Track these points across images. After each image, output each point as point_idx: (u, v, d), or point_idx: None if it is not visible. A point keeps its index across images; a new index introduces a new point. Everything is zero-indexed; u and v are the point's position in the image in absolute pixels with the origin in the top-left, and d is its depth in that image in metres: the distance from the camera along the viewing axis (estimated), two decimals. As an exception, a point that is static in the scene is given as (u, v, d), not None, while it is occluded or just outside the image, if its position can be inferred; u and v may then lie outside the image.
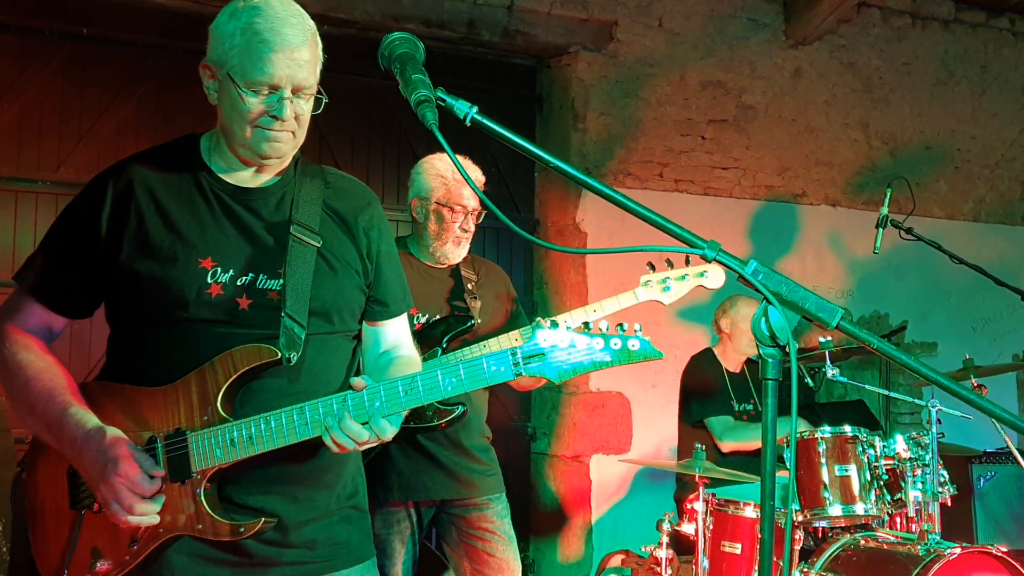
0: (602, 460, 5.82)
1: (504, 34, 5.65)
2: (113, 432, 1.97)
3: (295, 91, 2.04)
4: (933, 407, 3.92)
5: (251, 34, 2.00)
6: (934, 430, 3.88)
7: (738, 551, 3.93)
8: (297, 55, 2.02)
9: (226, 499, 2.04)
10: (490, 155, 5.62)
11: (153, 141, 5.38)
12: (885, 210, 4.65)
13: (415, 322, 3.41)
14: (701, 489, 3.99)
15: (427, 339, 3.38)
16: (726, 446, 4.73)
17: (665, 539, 4.11)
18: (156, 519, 1.96)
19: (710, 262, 1.39)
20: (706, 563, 3.97)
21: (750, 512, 3.94)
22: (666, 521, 4.14)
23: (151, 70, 5.10)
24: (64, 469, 2.07)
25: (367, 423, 1.97)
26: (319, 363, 2.13)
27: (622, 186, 5.86)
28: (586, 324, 1.99)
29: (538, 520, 5.96)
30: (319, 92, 2.10)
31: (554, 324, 1.98)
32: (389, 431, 1.99)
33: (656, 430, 5.88)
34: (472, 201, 3.49)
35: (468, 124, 1.52)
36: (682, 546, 4.34)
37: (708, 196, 6.19)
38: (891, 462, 3.97)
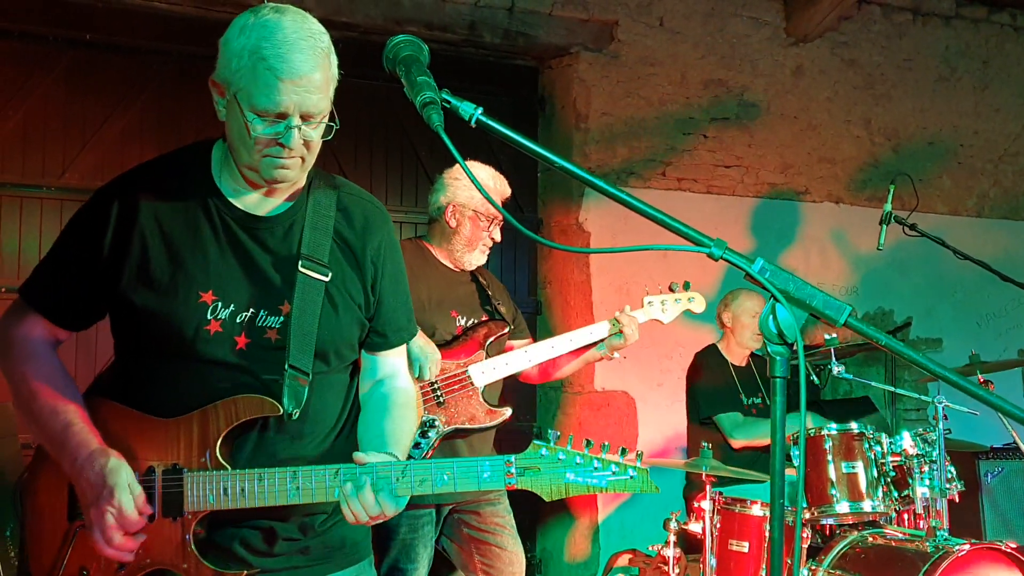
0: (608, 460, 5.81)
1: (505, 36, 5.66)
2: (115, 459, 1.95)
3: (304, 118, 1.96)
4: (939, 403, 3.92)
5: (257, 59, 1.91)
6: (940, 426, 3.88)
7: (745, 549, 3.93)
8: (306, 82, 1.93)
9: (218, 516, 2.02)
10: (492, 155, 5.60)
11: (157, 146, 5.42)
12: (889, 206, 4.66)
13: (456, 324, 3.50)
14: (708, 488, 3.99)
15: (469, 341, 3.47)
16: (737, 443, 4.72)
17: (672, 538, 4.12)
18: (130, 558, 1.95)
19: (717, 260, 1.39)
20: (714, 562, 3.97)
21: (757, 510, 3.94)
22: (673, 520, 4.14)
23: (154, 75, 5.11)
24: (67, 479, 2.06)
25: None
26: (317, 406, 2.12)
27: (625, 185, 5.86)
28: (588, 442, 1.98)
29: (545, 520, 5.97)
30: (332, 117, 2.03)
31: (554, 437, 1.97)
32: (390, 510, 1.97)
33: (662, 429, 5.88)
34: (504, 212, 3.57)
35: (473, 126, 1.52)
36: (690, 545, 4.34)
37: (711, 195, 6.19)
38: (898, 459, 3.97)
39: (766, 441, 4.67)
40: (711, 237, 1.42)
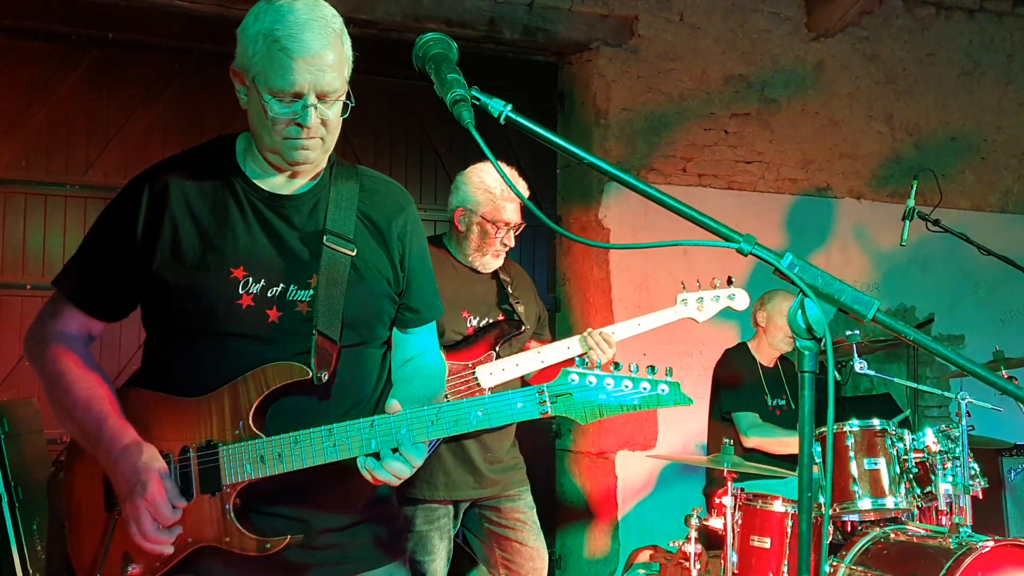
0: (628, 456, 5.82)
1: (525, 31, 5.66)
2: (149, 453, 1.98)
3: (320, 97, 2.00)
4: (963, 399, 3.90)
5: (271, 41, 1.96)
6: (964, 422, 3.86)
7: (767, 545, 3.92)
8: (319, 60, 1.97)
9: (254, 507, 2.05)
10: (511, 152, 5.63)
11: (180, 143, 5.46)
12: (912, 202, 4.63)
13: (468, 325, 3.47)
14: (730, 484, 3.98)
15: (480, 343, 3.44)
16: (749, 442, 4.71)
17: (693, 534, 4.11)
18: (170, 550, 1.98)
19: (746, 255, 1.39)
20: (735, 558, 3.96)
21: (779, 506, 3.93)
22: (694, 516, 4.14)
23: (176, 73, 5.14)
24: (101, 471, 2.09)
25: (396, 450, 1.96)
26: (349, 377, 2.14)
27: (645, 182, 5.83)
28: (616, 364, 2.00)
29: (564, 516, 5.97)
30: (348, 96, 2.06)
31: (581, 362, 1.98)
32: (416, 460, 1.99)
33: (682, 426, 5.87)
34: (516, 216, 3.54)
35: (502, 122, 1.52)
36: (711, 541, 4.34)
37: (732, 190, 6.17)
38: (920, 455, 3.95)
39: (778, 447, 4.66)
40: (739, 232, 1.42)
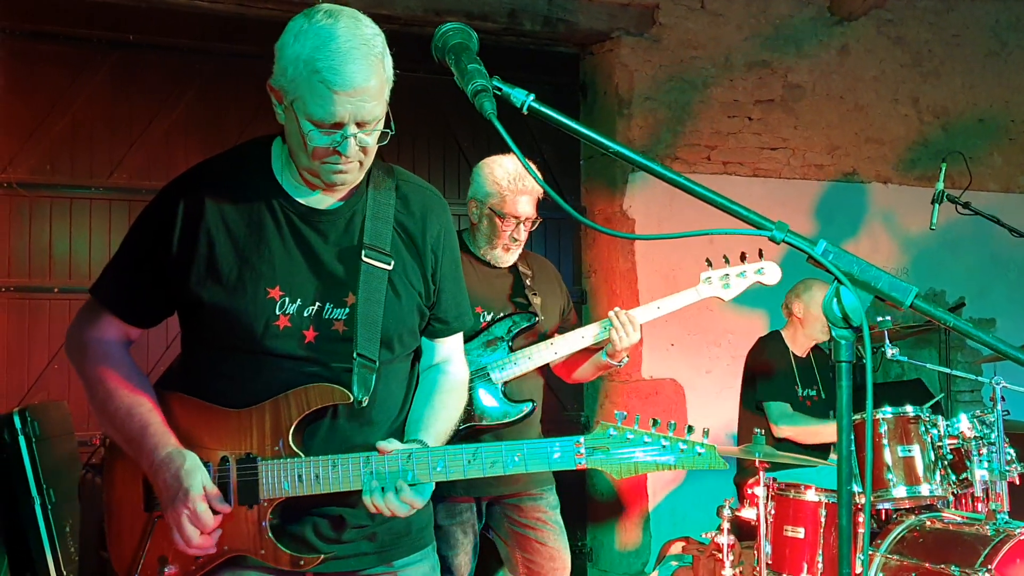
0: (658, 447, 5.78)
1: (545, 23, 5.63)
2: (192, 460, 2.00)
3: (360, 125, 1.97)
4: (997, 384, 3.84)
5: (312, 71, 1.91)
6: (999, 407, 3.80)
7: (801, 535, 3.89)
8: (361, 92, 1.93)
9: (289, 503, 2.06)
10: (535, 144, 5.61)
11: (202, 144, 5.48)
12: (941, 185, 4.57)
13: (480, 320, 3.42)
14: (762, 474, 3.94)
15: (493, 337, 3.40)
16: (780, 431, 4.67)
17: (726, 525, 4.07)
18: (212, 550, 2.01)
19: (779, 243, 1.36)
20: (768, 548, 3.93)
21: (812, 496, 3.89)
22: (726, 507, 4.10)
23: (197, 74, 5.15)
24: (142, 471, 2.10)
25: (416, 485, 2.01)
26: (385, 393, 2.15)
27: (672, 169, 5.80)
28: (655, 421, 2.01)
29: (594, 508, 5.95)
30: (388, 122, 2.03)
31: (620, 416, 2.00)
32: (428, 495, 2.06)
33: (711, 416, 5.82)
34: (527, 210, 3.46)
35: (525, 112, 1.50)
36: (743, 532, 4.30)
37: (757, 178, 6.12)
38: (955, 441, 3.90)
39: (809, 436, 4.61)
40: (771, 220, 1.39)
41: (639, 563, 5.77)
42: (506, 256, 3.50)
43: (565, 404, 5.96)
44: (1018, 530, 3.52)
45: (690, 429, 2.00)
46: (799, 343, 4.90)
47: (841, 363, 1.32)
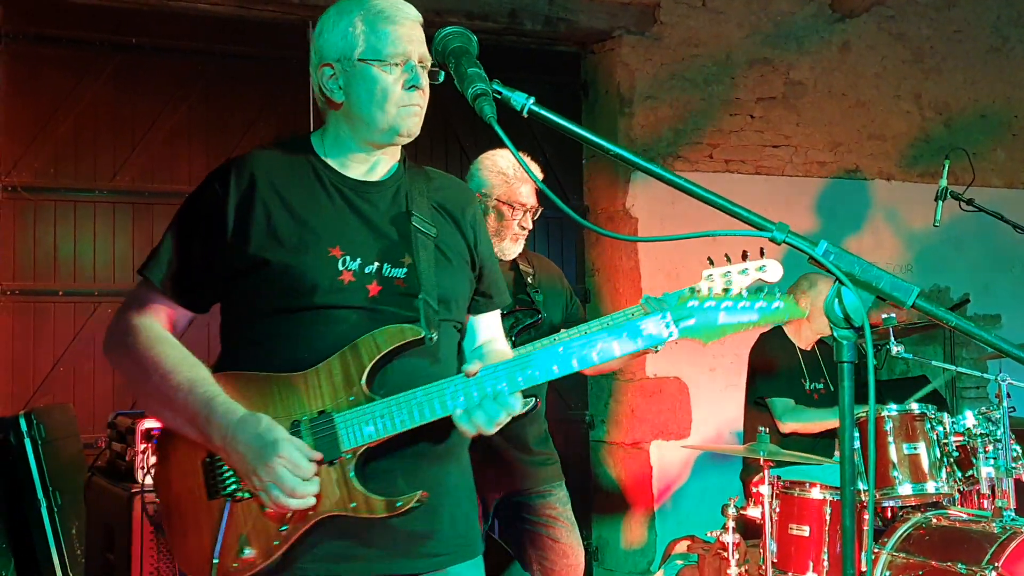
0: (662, 445, 5.79)
1: (546, 22, 5.63)
2: (268, 418, 1.96)
3: (420, 61, 2.11)
4: (1003, 380, 3.83)
5: (371, 15, 2.09)
6: (1005, 404, 3.79)
7: (806, 533, 3.88)
8: (417, 28, 2.12)
9: (371, 474, 2.03)
10: (536, 143, 5.60)
11: (205, 146, 5.49)
12: (944, 182, 4.56)
13: None
14: (767, 472, 3.94)
15: None
16: (786, 427, 4.66)
17: (731, 523, 4.07)
18: (312, 502, 1.94)
19: (780, 244, 1.36)
20: (774, 547, 3.92)
21: (817, 493, 3.89)
22: (731, 505, 4.10)
23: (200, 76, 5.15)
24: (199, 460, 2.06)
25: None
26: (446, 347, 2.17)
27: (672, 169, 5.77)
28: (726, 289, 2.05)
29: (600, 508, 5.95)
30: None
31: (691, 290, 2.03)
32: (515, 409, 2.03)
33: (716, 414, 5.83)
34: (531, 199, 3.50)
35: (525, 115, 1.50)
36: (748, 530, 4.30)
37: (760, 175, 6.12)
38: (961, 438, 3.89)
39: (815, 427, 4.60)
40: (772, 220, 1.39)
41: (644, 562, 5.77)
42: (514, 247, 3.53)
43: (569, 403, 5.96)
44: (1024, 527, 3.51)
45: (762, 288, 2.06)
46: (803, 337, 4.89)
47: (843, 363, 1.32)
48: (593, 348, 1.98)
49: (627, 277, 5.81)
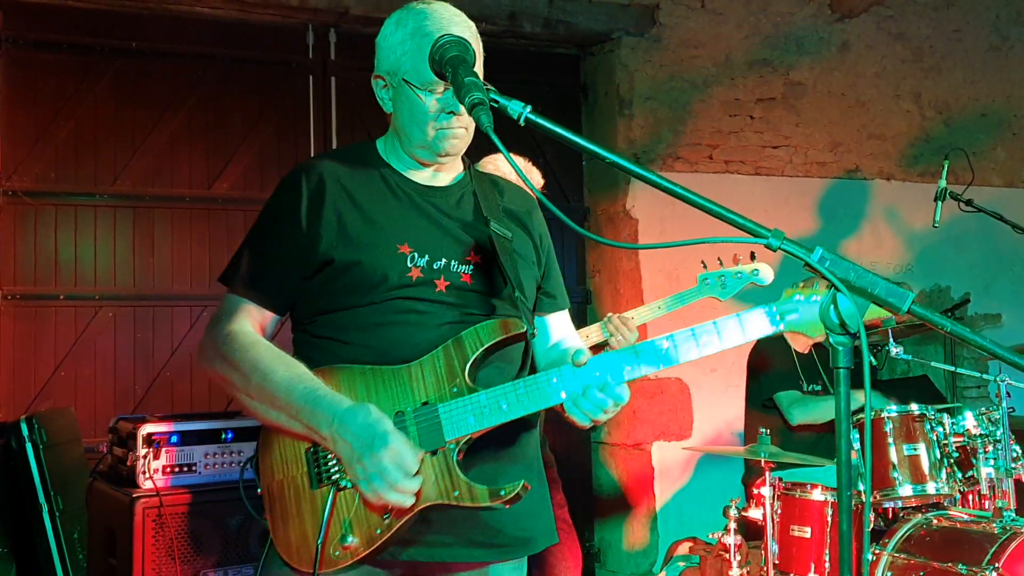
0: (664, 446, 5.79)
1: (546, 24, 5.63)
2: (377, 411, 1.98)
3: None
4: (1002, 381, 3.84)
5: (420, 36, 2.09)
6: (1004, 404, 3.80)
7: (808, 535, 3.88)
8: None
9: (471, 466, 2.06)
10: (536, 145, 5.61)
11: (206, 149, 5.51)
12: (943, 183, 4.56)
13: None
14: (768, 474, 3.94)
15: None
16: (796, 419, 4.66)
17: (732, 525, 4.07)
18: (412, 500, 1.95)
19: (775, 251, 1.37)
20: (775, 548, 3.93)
21: (818, 495, 3.89)
22: (733, 507, 4.10)
23: (200, 80, 5.16)
24: (303, 448, 2.08)
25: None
26: (520, 347, 2.22)
27: (671, 171, 5.81)
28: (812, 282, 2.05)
29: (602, 509, 5.95)
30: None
31: (794, 285, 2.04)
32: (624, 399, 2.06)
33: (717, 415, 5.84)
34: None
35: (522, 124, 1.51)
36: (750, 531, 4.30)
37: (760, 176, 6.12)
38: (961, 439, 3.89)
39: (824, 419, 4.61)
40: (767, 227, 1.40)
41: (647, 563, 5.78)
42: None
43: (570, 405, 5.96)
44: (1025, 527, 3.51)
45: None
46: (799, 340, 4.90)
47: (839, 369, 1.33)
48: (695, 341, 2.05)
49: (628, 278, 5.81)
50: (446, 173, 2.26)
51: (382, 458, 1.91)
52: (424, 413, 2.03)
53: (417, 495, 1.97)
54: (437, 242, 2.16)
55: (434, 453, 2.02)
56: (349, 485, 2.02)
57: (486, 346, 2.07)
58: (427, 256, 2.14)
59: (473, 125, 2.15)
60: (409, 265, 2.12)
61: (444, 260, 2.15)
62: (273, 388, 2.04)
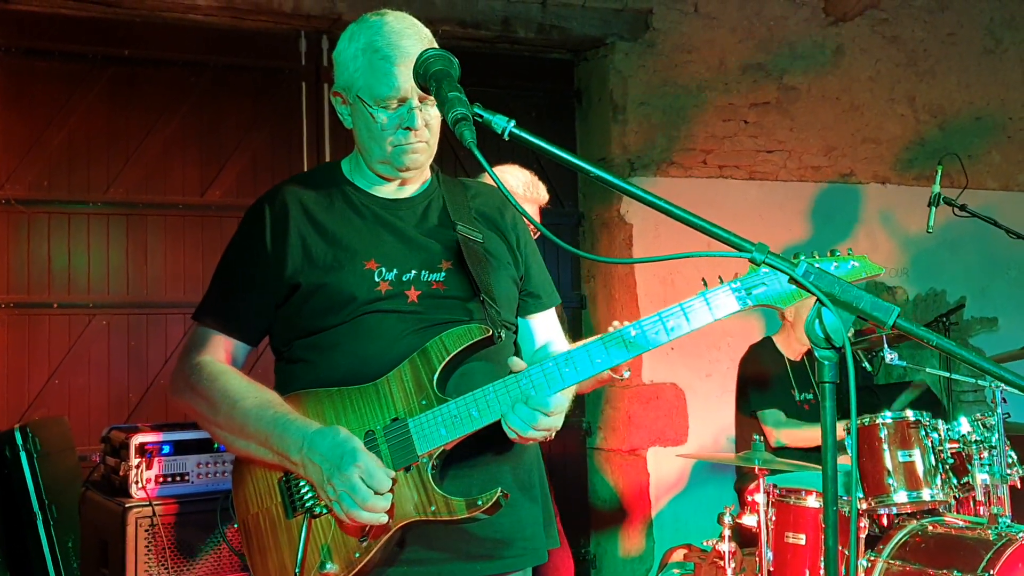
0: (660, 453, 5.79)
1: (539, 30, 5.63)
2: (345, 431, 1.97)
3: (422, 99, 2.10)
4: (997, 387, 3.83)
5: (371, 52, 2.08)
6: (999, 410, 3.79)
7: (802, 542, 3.87)
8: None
9: (447, 476, 2.04)
10: (531, 152, 5.60)
11: (199, 157, 5.50)
12: (937, 188, 4.56)
13: None
14: (762, 480, 3.94)
15: None
16: (777, 439, 4.66)
17: (727, 532, 4.07)
18: (384, 518, 1.93)
19: (759, 265, 1.36)
20: (770, 555, 3.92)
21: (813, 502, 3.88)
22: (727, 514, 4.09)
23: (193, 87, 5.16)
24: (275, 479, 2.07)
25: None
26: (507, 349, 2.19)
27: (666, 176, 5.80)
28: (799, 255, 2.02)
29: (597, 516, 5.94)
30: None
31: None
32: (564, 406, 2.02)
33: (713, 420, 5.83)
34: (536, 218, 3.56)
35: (507, 139, 1.50)
36: (745, 538, 4.30)
37: (754, 181, 6.11)
38: (956, 445, 3.89)
39: (806, 441, 4.61)
40: (761, 233, 1.39)
41: (642, 570, 5.77)
42: None
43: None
44: (1020, 534, 3.50)
45: (834, 252, 2.01)
46: (792, 347, 4.89)
47: (825, 384, 1.32)
48: (663, 325, 1.97)
49: (622, 283, 5.80)
50: (411, 184, 2.25)
51: (351, 476, 1.90)
52: (394, 429, 2.01)
53: (392, 513, 1.95)
54: (404, 254, 2.15)
55: (408, 469, 1.99)
56: (324, 511, 2.01)
57: (452, 354, 2.04)
58: (396, 269, 2.12)
59: (436, 138, 2.16)
60: (377, 280, 2.11)
61: (414, 272, 2.13)
62: (242, 417, 2.03)
